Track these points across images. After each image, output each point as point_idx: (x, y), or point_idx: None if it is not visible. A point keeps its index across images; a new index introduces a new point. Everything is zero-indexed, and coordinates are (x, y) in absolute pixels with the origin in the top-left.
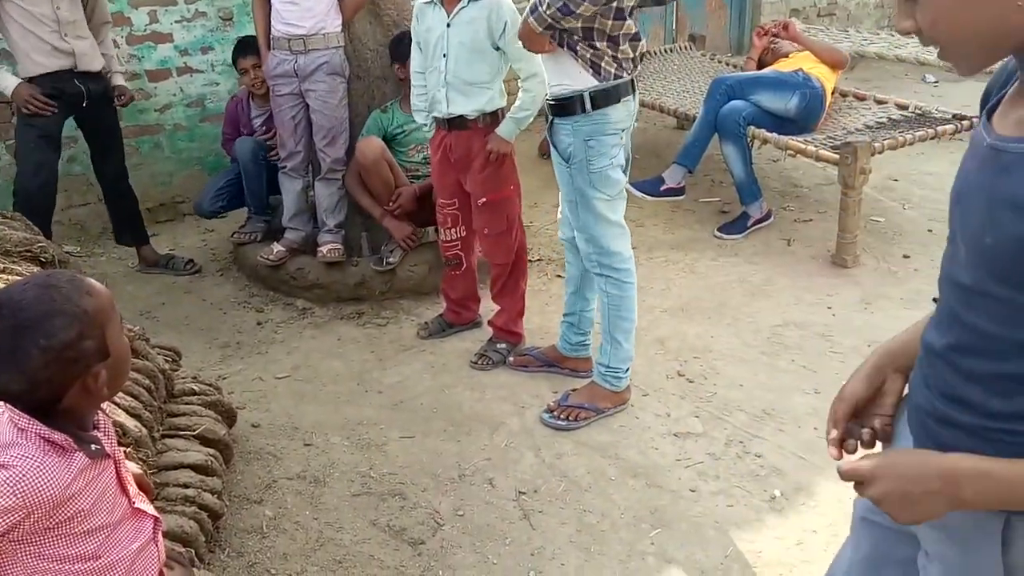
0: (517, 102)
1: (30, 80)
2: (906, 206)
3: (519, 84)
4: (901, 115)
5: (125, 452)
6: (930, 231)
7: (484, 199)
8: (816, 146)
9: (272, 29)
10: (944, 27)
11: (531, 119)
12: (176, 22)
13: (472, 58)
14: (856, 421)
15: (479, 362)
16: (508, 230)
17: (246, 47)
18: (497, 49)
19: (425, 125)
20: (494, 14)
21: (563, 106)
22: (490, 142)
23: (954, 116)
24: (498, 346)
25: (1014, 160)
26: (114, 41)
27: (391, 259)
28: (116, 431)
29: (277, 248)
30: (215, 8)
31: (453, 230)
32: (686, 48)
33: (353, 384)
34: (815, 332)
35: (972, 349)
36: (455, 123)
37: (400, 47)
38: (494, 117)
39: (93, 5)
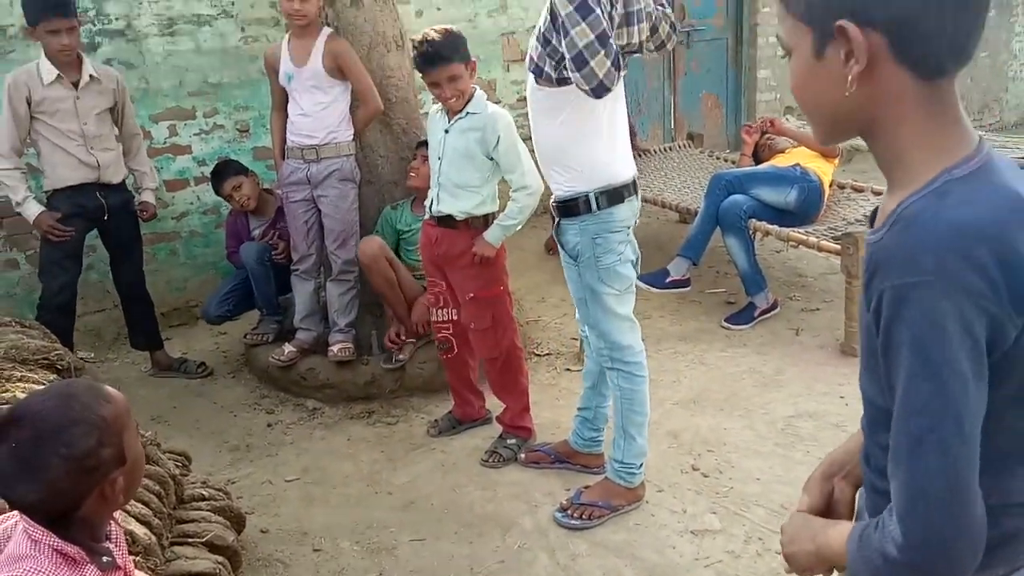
0: (506, 211)
1: (54, 192)
2: None
3: (510, 194)
4: None
5: (134, 561)
6: None
7: (472, 294)
8: (817, 237)
9: (287, 140)
10: (797, 95)
11: (518, 227)
12: (195, 135)
13: (463, 163)
14: None
15: (489, 459)
16: (492, 328)
17: (218, 176)
18: (491, 159)
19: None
20: (489, 127)
21: (569, 207)
22: (476, 244)
23: None
24: (508, 442)
25: (871, 252)
26: (145, 156)
27: (400, 356)
28: (126, 539)
29: (288, 348)
30: (232, 121)
31: (444, 311)
32: (685, 146)
33: (363, 485)
34: (829, 422)
35: (876, 421)
36: (443, 221)
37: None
38: (483, 220)
39: (122, 120)
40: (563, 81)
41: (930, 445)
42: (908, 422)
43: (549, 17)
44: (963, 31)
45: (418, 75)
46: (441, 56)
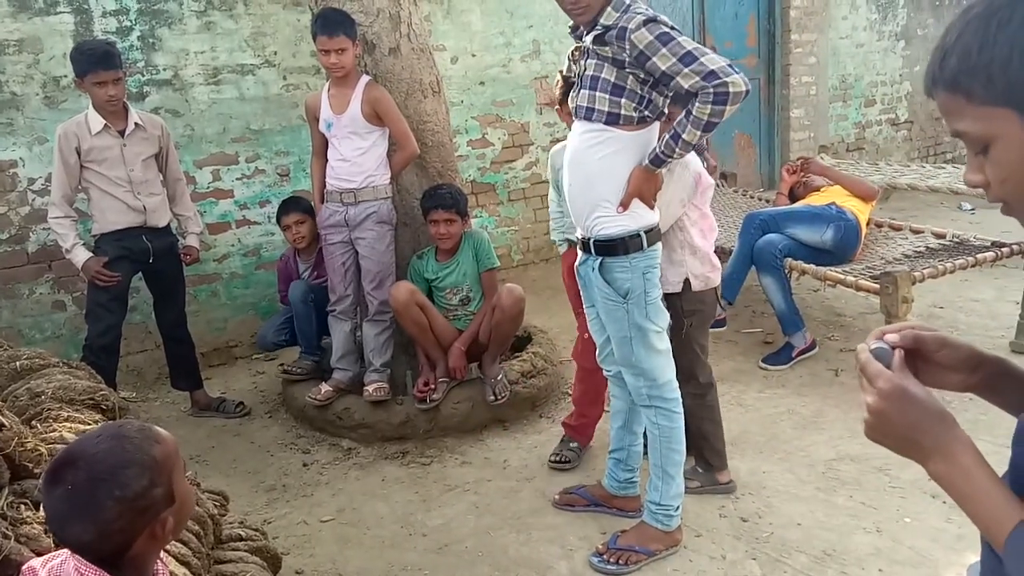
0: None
1: (102, 236)
2: (954, 333)
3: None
4: (939, 244)
5: None
6: None
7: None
8: (856, 276)
9: (327, 183)
10: (1014, 185)
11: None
12: (237, 179)
13: None
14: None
15: (558, 459)
16: None
17: (287, 207)
18: None
19: (560, 244)
20: None
21: (618, 245)
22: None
23: (993, 243)
24: (571, 445)
25: None
26: (189, 200)
27: (434, 396)
28: None
29: (325, 388)
30: (273, 166)
31: None
32: (718, 185)
33: (397, 527)
34: (872, 466)
35: None
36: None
37: (428, 200)
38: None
39: (166, 165)
40: (643, 121)
41: None
42: None
43: (612, 66)
44: None
45: (453, 120)
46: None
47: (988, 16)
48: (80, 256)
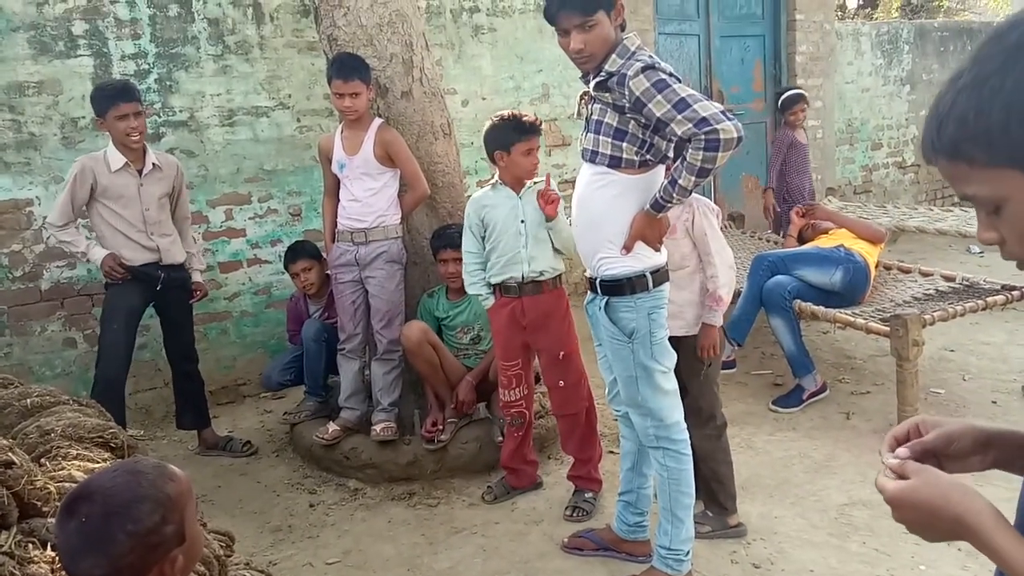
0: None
1: None
2: (966, 377)
3: None
4: (949, 286)
5: None
6: (994, 403)
7: (563, 352)
8: (865, 319)
9: (338, 223)
10: None
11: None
12: (249, 219)
13: (540, 221)
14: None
15: (574, 514)
16: (579, 379)
17: (294, 254)
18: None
19: (485, 297)
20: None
21: (624, 286)
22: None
23: (1003, 287)
24: (586, 496)
25: None
26: (192, 239)
27: (442, 436)
28: None
29: (332, 427)
30: (285, 205)
31: (517, 390)
32: (727, 227)
33: (403, 570)
34: (885, 511)
35: None
36: (525, 288)
37: (437, 240)
38: (558, 281)
39: (176, 204)
40: (644, 164)
41: None
42: None
43: (614, 111)
44: None
45: (463, 161)
46: (538, 128)
47: (979, 84)
48: (98, 254)
